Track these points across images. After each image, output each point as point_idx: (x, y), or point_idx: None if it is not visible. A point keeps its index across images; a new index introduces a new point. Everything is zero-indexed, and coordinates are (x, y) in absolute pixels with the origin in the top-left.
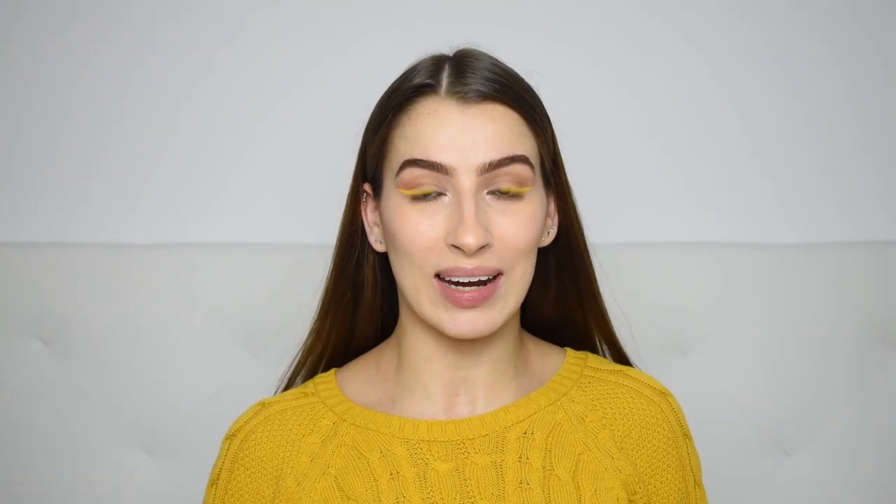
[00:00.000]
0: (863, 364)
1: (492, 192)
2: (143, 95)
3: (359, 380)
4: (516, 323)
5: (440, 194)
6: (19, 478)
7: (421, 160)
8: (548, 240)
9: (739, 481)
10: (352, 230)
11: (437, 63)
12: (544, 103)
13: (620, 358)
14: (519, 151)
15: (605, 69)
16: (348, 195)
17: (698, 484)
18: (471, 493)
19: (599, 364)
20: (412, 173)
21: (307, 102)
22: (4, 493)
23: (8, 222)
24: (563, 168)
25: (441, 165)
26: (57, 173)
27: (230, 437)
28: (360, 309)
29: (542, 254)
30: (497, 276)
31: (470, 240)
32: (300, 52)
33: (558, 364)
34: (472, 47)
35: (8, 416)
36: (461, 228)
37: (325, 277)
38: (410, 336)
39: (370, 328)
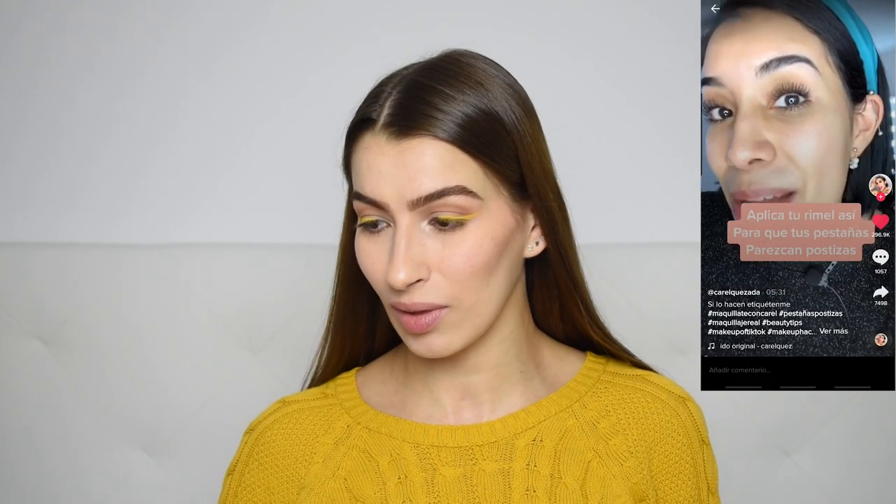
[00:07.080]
0: None
1: (432, 222)
2: (142, 96)
3: (376, 380)
4: (520, 327)
5: (387, 224)
6: (19, 477)
7: (361, 195)
8: (534, 251)
9: (739, 481)
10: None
11: (381, 92)
12: (539, 108)
13: (637, 364)
14: (453, 182)
15: (607, 70)
16: (345, 213)
17: (712, 492)
18: (477, 500)
19: (619, 369)
20: (358, 205)
21: (308, 103)
22: (5, 492)
23: (8, 222)
24: (550, 179)
25: (375, 201)
26: (57, 173)
27: (249, 431)
28: (378, 320)
29: (543, 266)
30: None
31: (399, 276)
32: (301, 52)
33: (575, 369)
34: (446, 56)
35: (8, 416)
36: (391, 265)
37: (330, 290)
38: None
39: (390, 332)
